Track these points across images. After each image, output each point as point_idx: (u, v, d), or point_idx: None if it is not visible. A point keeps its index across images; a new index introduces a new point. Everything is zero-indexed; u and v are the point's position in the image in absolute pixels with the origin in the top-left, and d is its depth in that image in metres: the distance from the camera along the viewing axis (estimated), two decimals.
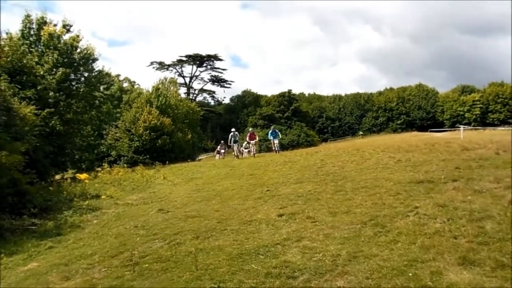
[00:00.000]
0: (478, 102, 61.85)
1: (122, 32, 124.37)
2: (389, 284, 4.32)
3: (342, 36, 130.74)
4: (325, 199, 9.18)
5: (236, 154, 24.24)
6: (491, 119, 59.93)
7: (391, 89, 72.68)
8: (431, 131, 49.30)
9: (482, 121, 58.27)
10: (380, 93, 72.11)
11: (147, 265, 6.22)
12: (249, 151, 26.09)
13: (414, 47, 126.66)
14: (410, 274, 4.48)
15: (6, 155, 10.74)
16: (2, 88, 13.25)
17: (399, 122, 65.59)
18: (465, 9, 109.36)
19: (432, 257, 4.88)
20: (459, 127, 32.72)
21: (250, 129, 29.46)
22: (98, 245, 8.17)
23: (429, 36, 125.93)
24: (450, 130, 46.90)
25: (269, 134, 25.06)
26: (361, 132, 65.33)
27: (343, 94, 74.07)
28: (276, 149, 24.36)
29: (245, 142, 26.16)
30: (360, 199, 8.69)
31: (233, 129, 26.06)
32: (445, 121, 62.70)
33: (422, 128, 59.33)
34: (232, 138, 25.04)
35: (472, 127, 42.53)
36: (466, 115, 61.75)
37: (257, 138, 25.55)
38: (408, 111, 66.01)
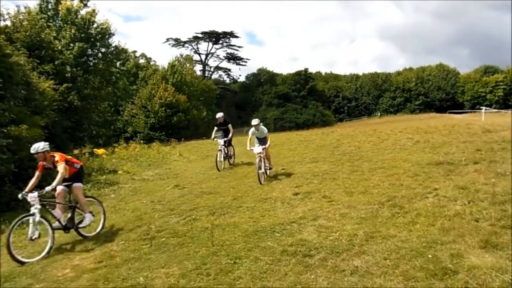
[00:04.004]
0: (501, 83, 59.80)
1: (138, 7, 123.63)
2: (407, 265, 4.26)
3: (361, 12, 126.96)
4: (341, 179, 9.11)
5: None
6: None
7: (410, 69, 70.93)
8: (450, 113, 48.16)
9: (505, 103, 56.41)
10: (398, 73, 70.39)
11: (163, 239, 6.31)
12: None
13: (437, 24, 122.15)
14: (430, 256, 4.40)
15: (27, 129, 10.91)
16: (22, 62, 13.31)
17: (417, 103, 64.15)
18: None
19: (452, 240, 4.78)
20: (480, 109, 31.77)
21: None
22: (116, 218, 8.32)
23: (454, 12, 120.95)
24: (470, 112, 45.74)
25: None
26: (379, 113, 64.36)
27: (360, 74, 72.61)
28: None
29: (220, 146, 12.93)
30: (377, 179, 8.59)
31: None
32: (465, 103, 61.08)
33: (441, 110, 57.96)
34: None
35: (494, 109, 41.29)
36: (488, 96, 59.90)
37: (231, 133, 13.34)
38: (427, 91, 64.44)
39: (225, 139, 13.03)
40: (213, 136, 13.86)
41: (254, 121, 10.95)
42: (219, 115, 13.58)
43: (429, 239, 4.88)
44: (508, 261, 4.09)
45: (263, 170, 10.12)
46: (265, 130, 11.02)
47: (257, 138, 10.98)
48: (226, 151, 13.05)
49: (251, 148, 10.55)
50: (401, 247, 4.75)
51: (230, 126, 13.45)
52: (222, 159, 12.83)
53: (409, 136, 14.79)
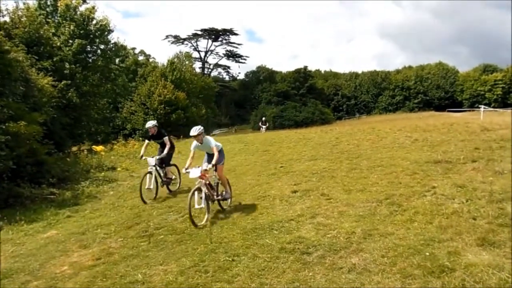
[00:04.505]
0: (500, 82, 59.78)
1: (137, 4, 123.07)
2: (405, 263, 4.28)
3: (360, 10, 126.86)
4: (339, 177, 9.12)
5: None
6: None
7: (410, 67, 70.96)
8: (449, 111, 48.17)
9: (504, 102, 56.42)
10: (397, 71, 70.43)
11: (162, 236, 6.32)
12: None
13: (436, 22, 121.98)
14: (427, 254, 4.43)
15: (25, 125, 10.87)
16: (20, 58, 13.25)
17: (416, 101, 64.14)
18: None
19: (449, 237, 4.81)
20: (479, 107, 31.77)
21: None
22: (114, 215, 8.32)
23: (453, 11, 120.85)
24: (469, 110, 45.73)
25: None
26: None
27: (359, 72, 72.59)
28: None
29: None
30: (376, 177, 8.60)
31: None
32: (464, 101, 61.06)
33: (440, 108, 57.96)
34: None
35: (492, 108, 41.30)
36: (487, 95, 59.86)
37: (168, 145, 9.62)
38: (426, 90, 64.41)
39: (158, 156, 9.36)
40: (142, 152, 9.85)
41: (193, 131, 7.28)
42: (150, 124, 9.66)
43: (427, 237, 4.90)
44: (505, 259, 4.12)
45: (203, 205, 6.73)
46: (213, 141, 7.42)
47: (206, 154, 7.67)
48: (161, 174, 9.43)
49: (187, 170, 6.99)
50: (398, 245, 4.77)
51: (166, 138, 9.64)
52: (151, 186, 8.96)
53: (407, 134, 14.80)
